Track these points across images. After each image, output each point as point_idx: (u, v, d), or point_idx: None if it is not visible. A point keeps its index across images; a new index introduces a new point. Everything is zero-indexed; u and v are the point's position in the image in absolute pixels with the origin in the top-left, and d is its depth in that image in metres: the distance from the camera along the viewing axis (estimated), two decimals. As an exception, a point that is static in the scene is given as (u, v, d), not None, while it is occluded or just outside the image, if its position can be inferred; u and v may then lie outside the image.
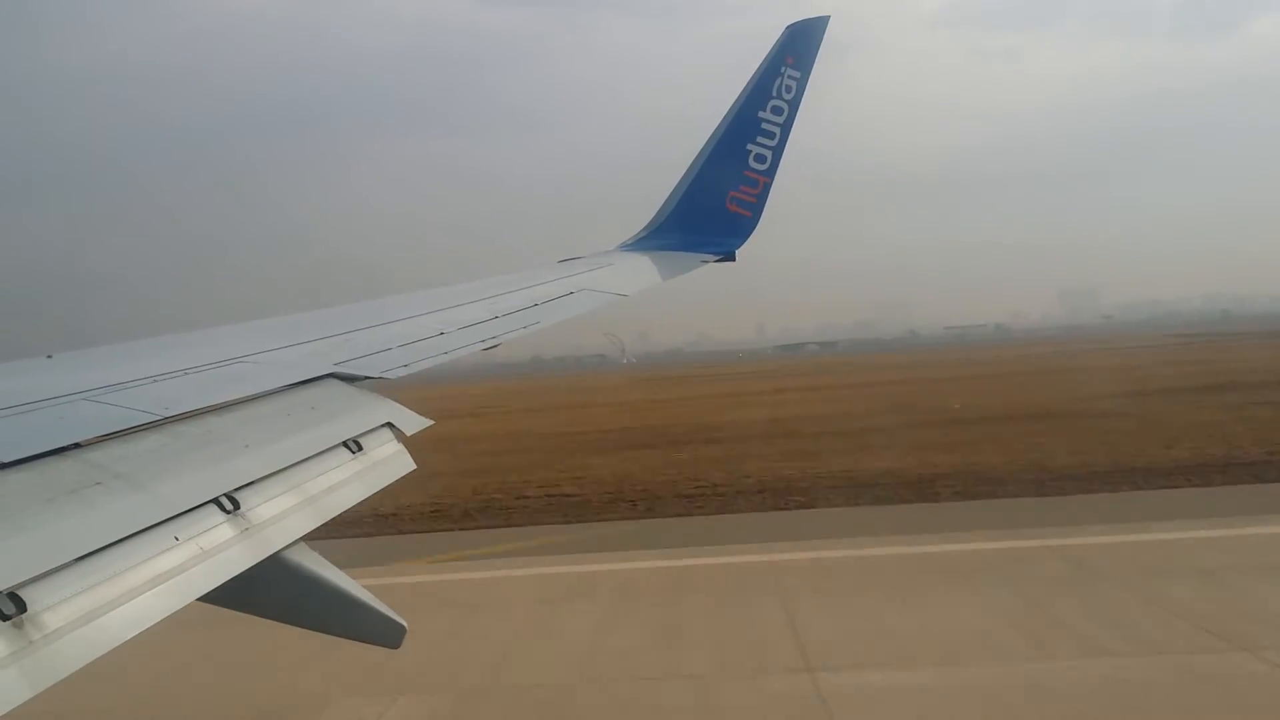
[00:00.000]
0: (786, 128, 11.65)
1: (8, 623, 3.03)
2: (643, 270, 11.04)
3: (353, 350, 6.52)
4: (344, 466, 5.08)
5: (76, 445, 4.19)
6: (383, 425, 5.60)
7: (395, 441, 5.56)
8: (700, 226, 11.83)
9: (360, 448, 5.27)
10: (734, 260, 11.82)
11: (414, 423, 5.81)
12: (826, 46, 11.73)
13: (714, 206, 11.77)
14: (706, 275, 11.59)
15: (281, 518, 4.41)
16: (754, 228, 11.82)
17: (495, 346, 7.66)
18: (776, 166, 11.72)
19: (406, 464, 5.47)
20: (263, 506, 4.35)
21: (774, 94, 11.60)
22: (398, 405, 5.90)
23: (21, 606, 3.10)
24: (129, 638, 3.41)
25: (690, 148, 12.07)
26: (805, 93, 11.67)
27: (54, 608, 3.22)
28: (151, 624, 3.52)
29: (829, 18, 11.74)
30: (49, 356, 5.66)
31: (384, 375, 6.25)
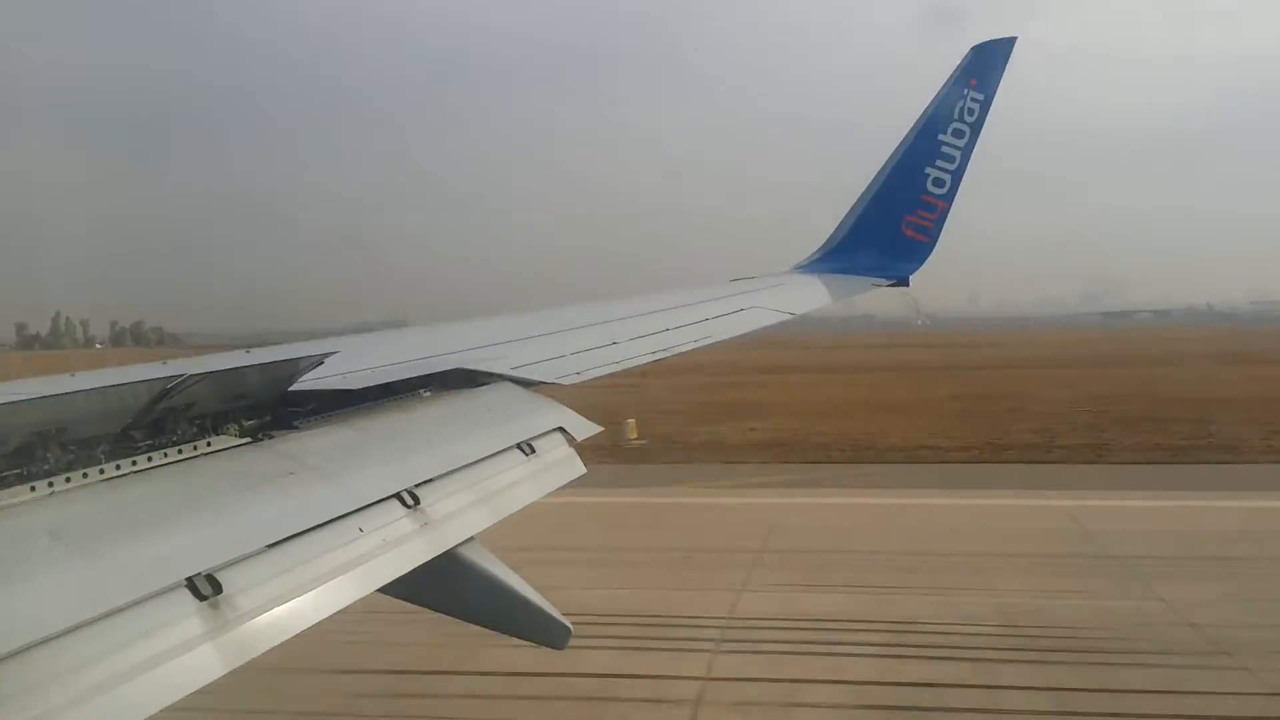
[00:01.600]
0: (968, 151, 11.42)
1: (205, 603, 3.20)
2: (813, 291, 11.04)
3: (528, 356, 6.69)
4: (517, 468, 5.23)
5: (270, 436, 4.45)
6: (554, 429, 5.73)
7: (566, 445, 5.68)
8: (875, 249, 11.70)
9: (533, 450, 5.41)
10: (908, 285, 11.67)
11: (584, 428, 5.93)
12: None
13: (890, 230, 11.64)
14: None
15: (458, 514, 4.56)
16: (930, 252, 11.64)
17: (666, 358, 7.79)
18: (956, 190, 11.50)
19: (577, 468, 5.59)
20: (441, 503, 4.51)
21: (955, 116, 11.38)
22: (569, 410, 6.03)
23: (218, 588, 3.28)
24: (315, 622, 3.56)
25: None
26: (989, 115, 11.43)
27: (247, 590, 3.39)
28: (335, 610, 3.67)
29: (1015, 39, 11.45)
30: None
31: (557, 381, 6.40)
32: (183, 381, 4.08)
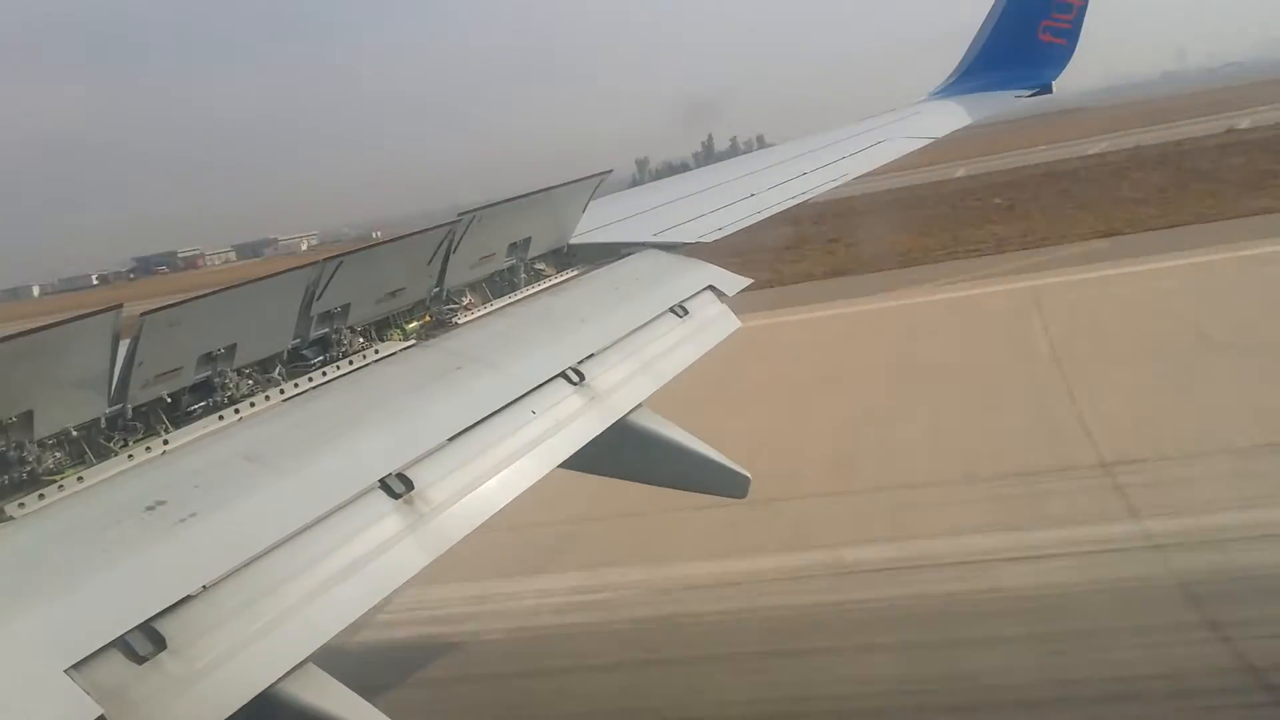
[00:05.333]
0: None
1: (399, 500, 3.36)
2: (950, 114, 10.75)
3: (667, 220, 6.71)
4: (674, 331, 5.30)
5: (435, 335, 4.58)
6: (705, 289, 5.75)
7: (719, 303, 5.72)
8: (1011, 62, 11.23)
9: (686, 312, 5.45)
10: (1050, 93, 11.17)
11: (734, 283, 5.94)
12: None
13: (1025, 39, 11.13)
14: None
15: (623, 384, 4.66)
16: (1070, 56, 11.09)
17: (804, 201, 7.75)
18: None
19: (731, 323, 5.64)
20: (605, 375, 4.61)
21: None
22: (716, 268, 6.04)
23: (409, 485, 3.43)
24: (503, 505, 3.70)
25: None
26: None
27: (437, 483, 3.54)
28: (520, 492, 3.80)
29: None
30: None
31: (699, 240, 6.40)
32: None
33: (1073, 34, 11.00)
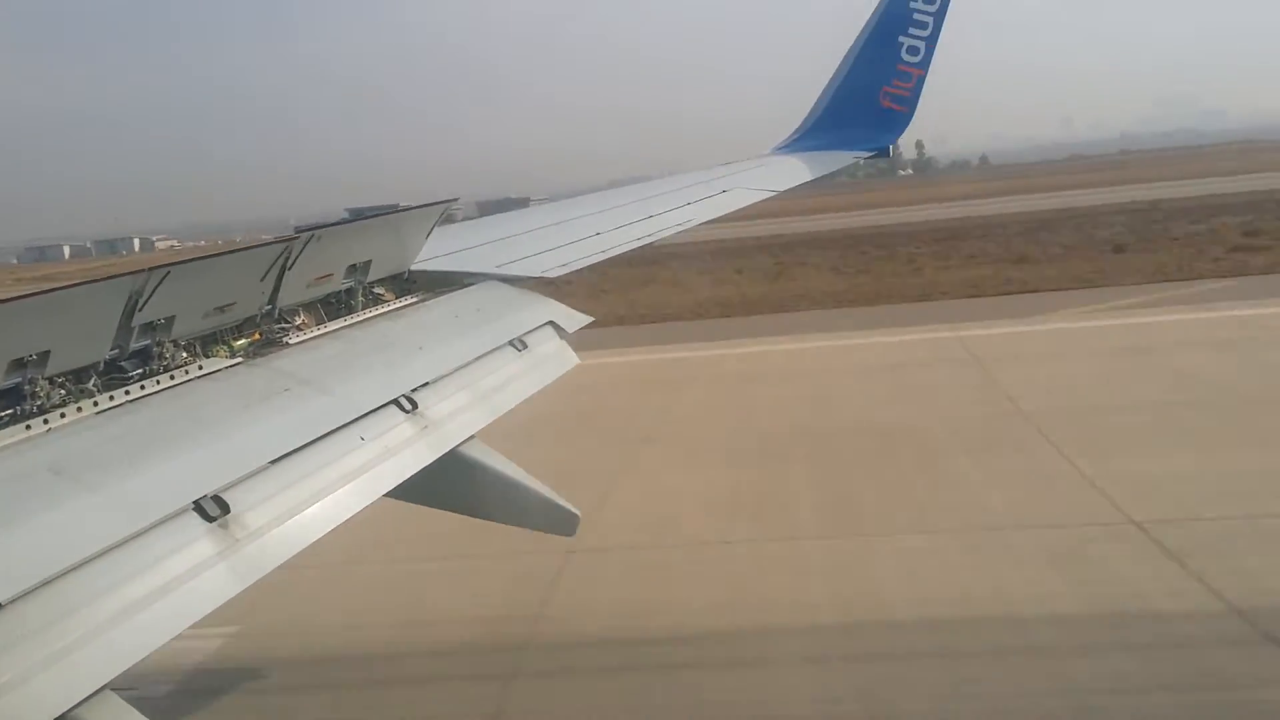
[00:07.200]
0: (940, 16, 11.26)
1: (214, 524, 3.22)
2: (793, 169, 11.04)
3: (512, 253, 6.68)
4: (511, 364, 5.26)
5: (264, 354, 4.44)
6: (545, 324, 5.75)
7: (558, 339, 5.72)
8: (853, 123, 11.63)
9: (525, 346, 5.43)
10: (888, 156, 11.61)
11: (574, 320, 5.96)
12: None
13: (866, 103, 11.55)
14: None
15: (457, 415, 4.59)
16: (908, 122, 11.56)
17: (649, 244, 7.84)
18: (930, 58, 11.39)
19: (570, 359, 5.64)
20: (439, 405, 4.53)
21: None
22: (558, 304, 6.05)
23: (225, 508, 3.29)
24: (324, 533, 3.59)
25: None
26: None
27: (255, 508, 3.41)
28: (343, 520, 3.69)
29: None
30: None
31: (543, 275, 6.40)
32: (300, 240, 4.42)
33: (911, 101, 11.46)
